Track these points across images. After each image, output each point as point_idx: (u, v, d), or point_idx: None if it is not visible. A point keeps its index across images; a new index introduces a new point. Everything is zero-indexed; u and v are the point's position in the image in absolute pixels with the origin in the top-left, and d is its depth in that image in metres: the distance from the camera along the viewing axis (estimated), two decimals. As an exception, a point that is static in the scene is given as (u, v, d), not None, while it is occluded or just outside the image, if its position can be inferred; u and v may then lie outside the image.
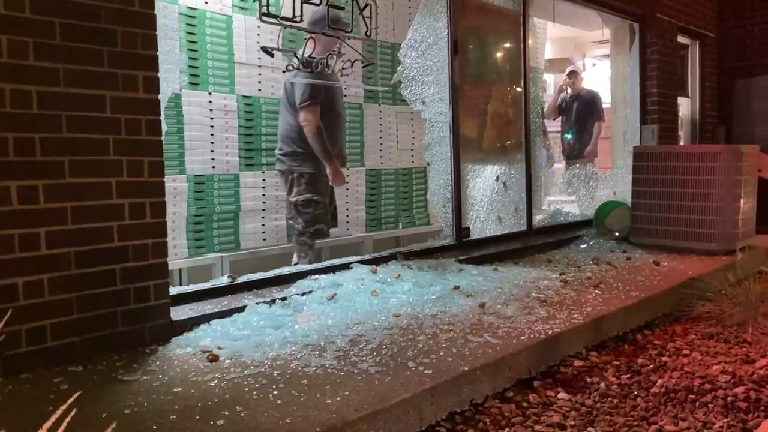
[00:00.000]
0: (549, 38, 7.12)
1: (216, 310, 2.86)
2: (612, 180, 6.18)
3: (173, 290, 2.89)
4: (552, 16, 5.88)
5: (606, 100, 9.86)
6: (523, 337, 2.65)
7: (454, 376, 2.23)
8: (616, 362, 2.84)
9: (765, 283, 3.63)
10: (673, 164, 4.80)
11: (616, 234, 5.22)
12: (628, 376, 2.68)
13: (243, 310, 2.89)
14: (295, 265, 3.96)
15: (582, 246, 5.03)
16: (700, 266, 4.21)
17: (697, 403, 2.41)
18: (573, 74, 6.81)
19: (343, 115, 4.28)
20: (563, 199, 6.94)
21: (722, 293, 3.61)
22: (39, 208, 2.28)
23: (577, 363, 2.77)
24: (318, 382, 2.14)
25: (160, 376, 2.24)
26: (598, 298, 3.36)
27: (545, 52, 6.84)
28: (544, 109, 6.16)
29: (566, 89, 6.88)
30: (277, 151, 4.10)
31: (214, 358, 2.39)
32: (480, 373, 2.32)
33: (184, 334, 2.67)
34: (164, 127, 2.82)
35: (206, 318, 2.79)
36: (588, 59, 10.99)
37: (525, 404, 2.37)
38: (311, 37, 3.57)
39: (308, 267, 3.54)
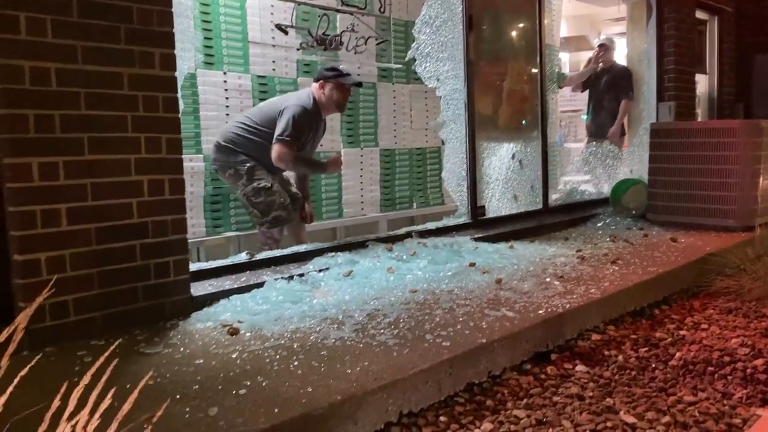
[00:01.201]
0: (564, 16, 7.03)
1: (235, 286, 2.89)
2: (628, 158, 6.12)
3: (193, 266, 2.92)
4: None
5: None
6: (540, 311, 2.65)
7: (471, 348, 2.24)
8: (633, 336, 2.83)
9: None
10: (691, 140, 4.75)
11: (633, 212, 5.19)
12: (646, 349, 2.68)
13: (262, 286, 2.92)
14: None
15: (598, 224, 5.01)
16: (718, 242, 4.18)
17: (716, 375, 2.41)
18: (603, 47, 6.51)
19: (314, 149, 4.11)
20: (579, 178, 6.88)
21: (741, 269, 3.59)
22: (59, 185, 2.31)
23: (595, 337, 2.77)
24: (337, 354, 2.17)
25: (182, 349, 2.27)
26: (616, 273, 3.35)
27: (560, 30, 6.73)
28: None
29: (597, 62, 6.50)
30: (217, 144, 3.78)
31: (234, 332, 2.42)
32: (497, 346, 2.33)
33: (204, 309, 2.71)
34: (181, 105, 2.84)
35: (226, 293, 2.83)
36: (603, 37, 10.87)
37: (543, 376, 2.38)
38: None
39: (325, 245, 3.56)
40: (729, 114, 7.31)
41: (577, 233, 4.67)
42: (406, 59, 4.18)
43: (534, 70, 4.87)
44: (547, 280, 3.20)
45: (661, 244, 4.17)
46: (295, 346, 2.25)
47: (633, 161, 6.05)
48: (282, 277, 3.01)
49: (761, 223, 4.64)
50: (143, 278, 2.55)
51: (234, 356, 2.17)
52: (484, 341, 2.29)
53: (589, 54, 7.12)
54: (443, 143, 4.58)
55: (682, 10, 6.18)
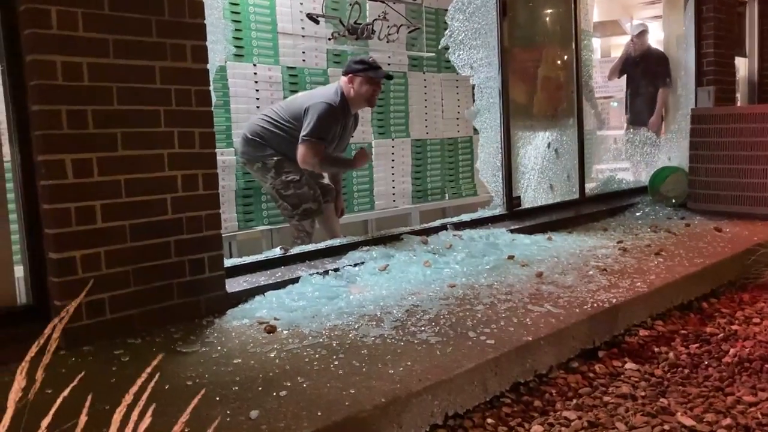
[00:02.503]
0: (596, 0, 6.82)
1: (270, 282, 2.84)
2: (666, 145, 5.93)
3: (227, 262, 2.88)
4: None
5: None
6: (585, 306, 2.55)
7: (517, 347, 2.15)
8: (683, 331, 2.72)
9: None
10: (734, 126, 4.57)
11: (673, 200, 5.03)
12: (697, 345, 2.57)
13: (297, 282, 2.87)
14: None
15: (637, 213, 4.86)
16: (766, 232, 4.01)
17: (775, 373, 2.29)
18: (642, 34, 6.33)
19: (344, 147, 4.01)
20: (613, 166, 6.70)
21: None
22: (93, 181, 2.27)
23: (643, 332, 2.67)
24: (378, 353, 2.10)
25: (219, 347, 2.22)
26: (661, 265, 3.23)
27: (593, 16, 6.54)
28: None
29: (633, 48, 6.32)
30: (244, 137, 3.72)
31: (271, 329, 2.37)
32: (543, 343, 2.24)
33: (240, 305, 2.66)
34: (213, 98, 2.79)
35: (261, 289, 2.78)
36: (636, 21, 10.59)
37: (591, 375, 2.29)
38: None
39: (359, 238, 3.49)
40: (771, 98, 7.06)
41: (616, 223, 4.54)
42: (440, 47, 4.07)
43: (569, 53, 4.71)
44: (590, 273, 3.09)
45: (704, 234, 4.02)
46: (334, 344, 2.19)
47: (671, 148, 5.87)
48: (317, 272, 2.95)
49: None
50: (178, 275, 2.51)
51: (272, 355, 2.12)
52: (530, 339, 2.21)
53: (621, 39, 6.94)
54: (476, 132, 4.47)
55: (722, -10, 5.96)
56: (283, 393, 1.81)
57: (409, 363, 1.99)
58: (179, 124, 2.50)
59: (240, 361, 2.08)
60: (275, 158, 3.65)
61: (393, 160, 4.94)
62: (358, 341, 2.21)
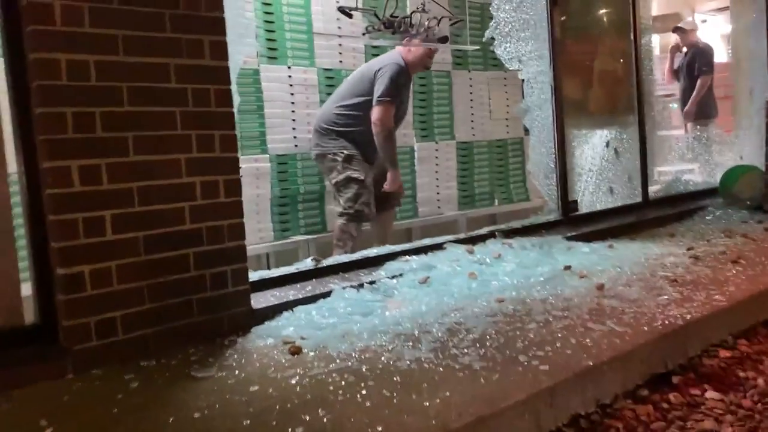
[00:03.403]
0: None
1: (300, 296, 2.61)
2: (737, 143, 5.46)
3: (253, 276, 2.66)
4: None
5: (722, 56, 8.93)
6: (655, 324, 2.22)
7: (576, 373, 1.85)
8: (772, 352, 2.35)
9: None
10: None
11: (747, 202, 4.57)
12: (792, 369, 2.19)
13: (329, 296, 2.63)
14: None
15: (708, 217, 4.43)
16: None
17: None
18: (678, 30, 6.26)
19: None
20: (679, 168, 6.28)
21: None
22: (102, 190, 2.08)
23: (724, 353, 2.31)
24: (413, 380, 1.83)
25: (237, 372, 2.00)
26: (740, 275, 2.85)
27: (652, 9, 6.17)
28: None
29: (680, 48, 6.26)
30: (317, 128, 3.74)
31: (296, 350, 2.13)
32: (607, 368, 1.93)
33: (266, 322, 2.44)
34: (237, 99, 2.59)
35: (289, 305, 2.55)
36: (698, 15, 10.01)
37: (665, 405, 1.95)
38: None
39: (398, 248, 3.23)
40: None
41: (684, 229, 4.13)
42: (485, 39, 3.79)
43: (628, 45, 4.34)
44: (658, 284, 2.74)
45: (788, 240, 3.59)
46: (364, 369, 1.93)
47: (743, 146, 5.40)
48: (351, 286, 2.71)
49: None
50: (198, 290, 2.30)
51: (293, 382, 1.87)
52: (591, 363, 1.90)
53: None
54: (526, 133, 4.16)
55: (797, -28, 5.46)
56: (299, 430, 1.56)
57: (448, 393, 1.72)
58: (197, 126, 2.30)
59: (257, 388, 1.85)
60: (346, 152, 3.66)
61: (437, 164, 4.67)
62: (391, 365, 1.95)
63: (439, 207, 4.68)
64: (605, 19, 4.36)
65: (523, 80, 3.85)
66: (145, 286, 2.18)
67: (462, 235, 3.54)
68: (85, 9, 2.05)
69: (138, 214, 2.16)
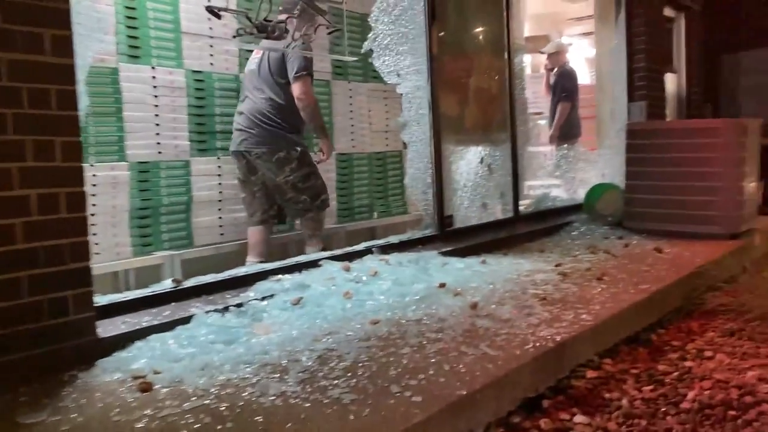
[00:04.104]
0: (526, 15, 6.71)
1: (156, 323, 2.36)
2: (600, 161, 5.77)
3: (101, 300, 2.38)
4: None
5: (586, 78, 9.51)
6: (527, 346, 2.20)
7: (449, 403, 1.77)
8: (634, 370, 2.41)
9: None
10: (671, 142, 4.41)
11: (609, 219, 4.82)
12: (651, 388, 2.26)
13: (189, 322, 2.39)
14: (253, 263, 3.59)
15: (574, 233, 4.61)
16: (707, 252, 3.81)
17: (740, 421, 2.00)
18: (554, 53, 6.64)
19: None
20: (542, 183, 6.58)
21: (737, 283, 3.23)
22: None
23: (591, 374, 2.34)
24: (276, 419, 1.67)
25: (73, 415, 1.74)
26: (604, 293, 2.94)
27: (524, 30, 6.44)
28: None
29: (548, 67, 6.62)
30: (244, 128, 3.69)
31: (146, 387, 1.90)
32: (480, 397, 1.87)
33: (114, 354, 2.17)
34: (85, 101, 2.31)
35: (143, 333, 2.29)
36: (565, 38, 10.61)
37: (536, 432, 1.93)
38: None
39: (269, 266, 3.04)
40: (697, 115, 7.06)
41: (552, 244, 4.26)
42: (363, 51, 3.70)
43: (502, 63, 4.43)
44: (529, 303, 2.76)
45: (645, 256, 3.79)
46: (222, 408, 1.74)
47: (605, 164, 5.70)
48: (215, 309, 2.49)
49: (746, 230, 4.33)
50: (32, 319, 2.00)
51: (140, 426, 1.65)
52: (465, 392, 1.83)
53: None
54: (405, 146, 4.12)
55: (651, 5, 5.89)
56: (139, 489, 1.35)
57: (313, 434, 1.58)
58: (33, 131, 2.01)
59: (96, 436, 1.61)
60: (300, 149, 3.71)
61: (315, 176, 4.51)
62: (254, 402, 1.78)
63: (316, 220, 4.52)
64: (481, 38, 4.43)
65: (401, 94, 3.80)
66: (-36, 316, 1.86)
67: (338, 251, 3.42)
68: None
69: (-45, 233, 1.84)
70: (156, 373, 2.00)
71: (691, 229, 4.31)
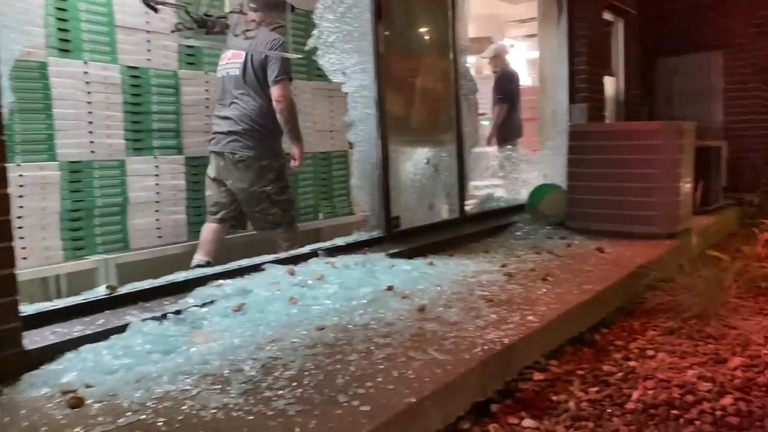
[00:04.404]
0: (469, 16, 6.76)
1: (88, 332, 2.23)
2: (542, 162, 5.85)
3: (28, 309, 2.24)
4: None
5: (528, 80, 9.69)
6: (476, 350, 2.18)
7: (398, 412, 1.72)
8: (579, 371, 2.43)
9: (719, 269, 3.36)
10: (611, 143, 4.49)
11: (552, 219, 4.89)
12: (597, 389, 2.28)
13: (124, 331, 2.27)
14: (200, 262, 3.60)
15: (517, 233, 4.65)
16: (647, 252, 3.91)
17: (682, 420, 2.03)
18: (495, 56, 6.78)
19: None
20: (485, 183, 6.66)
21: (675, 281, 3.31)
22: None
23: (538, 376, 2.34)
24: (217, 434, 1.59)
25: (-6, 436, 1.61)
26: (549, 293, 2.96)
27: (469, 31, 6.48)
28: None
29: (492, 70, 6.73)
30: (230, 131, 3.70)
31: (77, 402, 1.78)
32: (428, 404, 1.83)
33: (42, 367, 2.03)
34: (8, 96, 2.17)
35: (74, 343, 2.16)
36: (507, 40, 10.77)
37: (485, 438, 1.91)
38: None
39: (210, 271, 2.93)
40: (635, 117, 7.26)
41: (497, 244, 4.28)
42: (307, 48, 3.63)
43: (448, 64, 4.42)
44: (476, 305, 2.75)
45: (588, 256, 3.85)
46: (160, 423, 1.65)
47: (546, 165, 5.79)
48: (153, 317, 2.38)
49: (683, 229, 4.47)
50: (-51, 332, 1.86)
51: (68, 447, 1.54)
52: (414, 400, 1.79)
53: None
54: (351, 147, 4.07)
55: (592, 8, 6.02)
56: None
57: (257, 449, 1.50)
58: (-51, 128, 1.86)
59: (19, 459, 1.49)
60: (281, 160, 3.79)
61: (259, 177, 4.40)
62: (194, 416, 1.69)
63: (260, 221, 4.41)
64: (427, 38, 4.41)
65: (347, 93, 3.74)
66: None
67: (283, 255, 3.33)
68: None
69: None
70: (88, 386, 1.89)
71: (631, 228, 4.41)
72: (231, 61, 3.73)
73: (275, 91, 3.63)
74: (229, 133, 3.69)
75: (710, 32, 7.14)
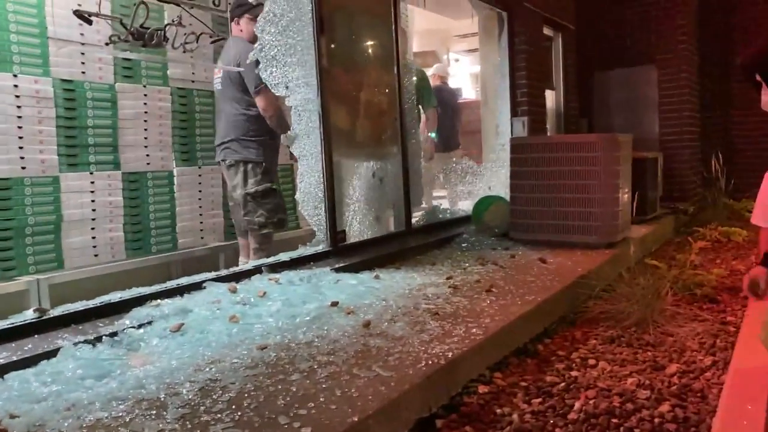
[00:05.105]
0: (414, 31, 6.83)
1: (14, 358, 2.13)
2: (486, 174, 5.94)
3: (-51, 336, 2.11)
4: (422, 1, 5.53)
5: (471, 94, 9.85)
6: (420, 365, 2.17)
7: (340, 432, 1.70)
8: (523, 383, 2.45)
9: (656, 277, 3.46)
10: (551, 155, 4.59)
11: (496, 230, 4.95)
12: (540, 400, 2.30)
13: (55, 355, 2.17)
14: (245, 264, 3.78)
15: (463, 245, 4.69)
16: (587, 261, 4.00)
17: (622, 429, 2.07)
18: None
19: None
20: (434, 194, 6.74)
21: (615, 290, 3.39)
22: None
23: (482, 389, 2.35)
24: (152, 464, 1.52)
25: None
26: (494, 305, 2.98)
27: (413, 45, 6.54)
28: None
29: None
30: (221, 141, 3.95)
31: (1, 435, 1.69)
32: (372, 422, 1.81)
33: (-36, 397, 1.92)
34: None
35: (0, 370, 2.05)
36: (451, 54, 10.94)
37: (429, 455, 1.90)
38: None
39: (148, 290, 2.84)
40: (575, 129, 7.46)
41: (443, 256, 4.31)
42: (249, 61, 3.58)
43: (391, 78, 4.44)
44: (421, 318, 2.74)
45: (531, 266, 3.91)
46: (90, 454, 1.58)
47: (491, 177, 5.88)
48: (86, 340, 2.28)
49: (622, 239, 4.59)
50: None
51: (-11, 484, 1.45)
52: (356, 419, 1.76)
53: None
54: (296, 160, 4.03)
55: (531, 24, 6.16)
56: None
57: (193, 478, 1.45)
58: None
59: (-67, 500, 1.40)
60: (265, 163, 3.87)
61: (200, 191, 4.32)
62: (127, 446, 1.62)
63: (202, 238, 4.32)
64: (371, 52, 4.42)
65: (290, 107, 3.71)
66: None
67: (224, 272, 3.26)
68: None
69: None
70: (13, 417, 1.79)
71: (572, 239, 4.51)
72: (217, 76, 3.99)
73: (259, 102, 3.79)
74: (221, 143, 3.92)
75: (644, 47, 7.43)
